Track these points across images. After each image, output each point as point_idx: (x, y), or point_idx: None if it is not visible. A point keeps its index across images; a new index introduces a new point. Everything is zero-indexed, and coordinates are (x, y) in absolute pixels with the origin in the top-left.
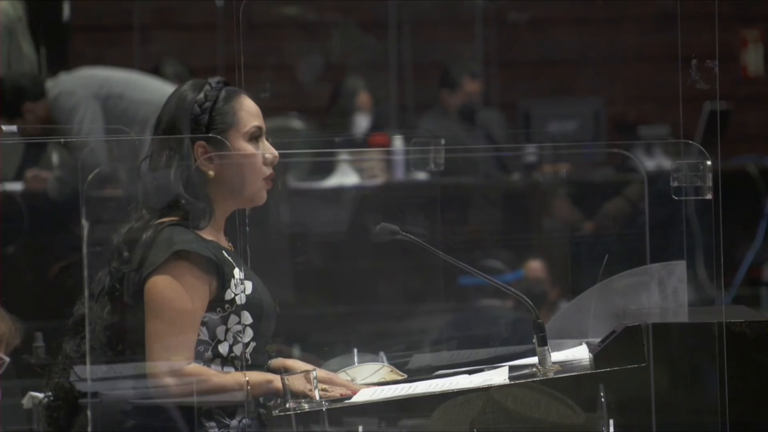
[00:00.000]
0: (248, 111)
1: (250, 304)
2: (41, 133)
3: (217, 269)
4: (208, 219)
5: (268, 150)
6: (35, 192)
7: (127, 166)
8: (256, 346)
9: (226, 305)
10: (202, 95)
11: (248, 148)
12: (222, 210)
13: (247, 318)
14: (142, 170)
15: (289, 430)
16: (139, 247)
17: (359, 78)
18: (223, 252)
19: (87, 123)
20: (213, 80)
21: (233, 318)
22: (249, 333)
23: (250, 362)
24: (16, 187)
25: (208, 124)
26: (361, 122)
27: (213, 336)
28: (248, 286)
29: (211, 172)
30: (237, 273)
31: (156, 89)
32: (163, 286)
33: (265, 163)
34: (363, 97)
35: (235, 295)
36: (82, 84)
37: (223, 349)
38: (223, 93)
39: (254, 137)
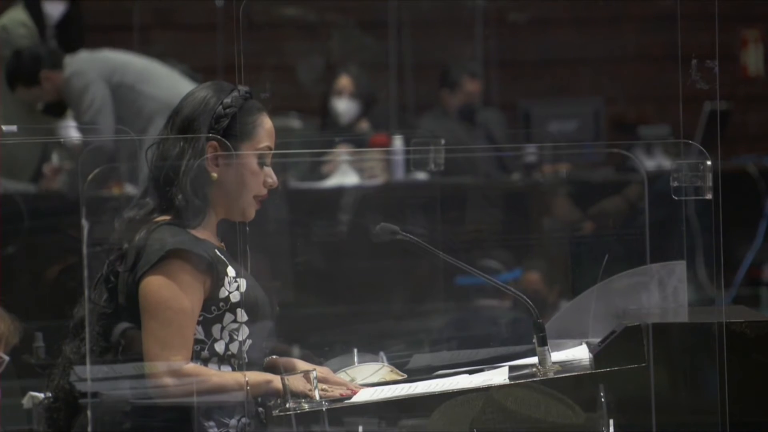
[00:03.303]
0: (266, 130)
1: (245, 301)
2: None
3: (211, 268)
4: (202, 219)
5: (270, 174)
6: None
7: (129, 165)
8: (252, 343)
9: (221, 303)
10: (229, 99)
11: (255, 164)
12: (215, 213)
13: (242, 316)
14: (148, 156)
15: (289, 430)
16: (132, 248)
17: (345, 66)
18: (216, 251)
19: (96, 105)
20: (242, 88)
21: (228, 316)
22: (245, 331)
23: (247, 360)
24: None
25: (227, 129)
26: (341, 106)
27: (209, 335)
28: (242, 283)
29: (215, 174)
30: (230, 271)
31: (169, 86)
32: (158, 285)
33: (264, 184)
34: (343, 81)
35: (230, 293)
36: (96, 67)
37: (219, 347)
38: (248, 104)
39: (263, 156)
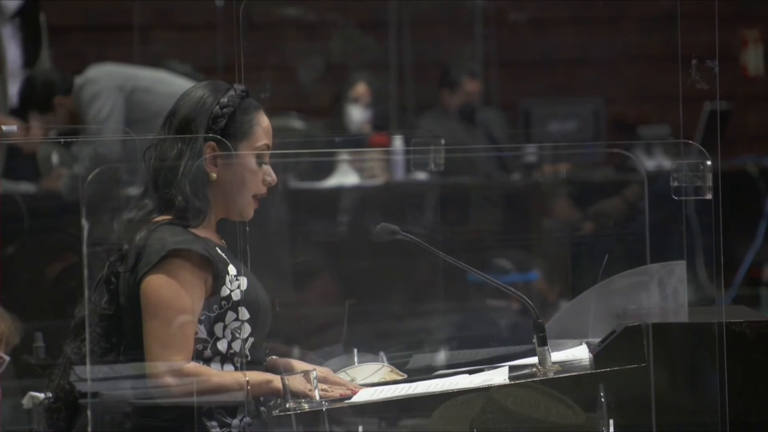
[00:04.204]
0: (264, 128)
1: (246, 300)
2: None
3: (212, 266)
4: (203, 219)
5: (269, 172)
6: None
7: (131, 165)
8: (254, 342)
9: (223, 302)
10: (225, 99)
11: (253, 163)
12: (215, 213)
13: (244, 314)
14: (146, 157)
15: (289, 430)
16: (132, 248)
17: (360, 72)
18: (217, 249)
19: (105, 112)
20: (238, 87)
21: (230, 314)
22: (247, 329)
23: (249, 358)
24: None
25: (224, 129)
26: (356, 114)
27: (211, 333)
28: (243, 282)
29: (214, 174)
30: (232, 269)
31: (184, 85)
32: (158, 285)
33: (263, 182)
34: (359, 89)
35: (231, 291)
36: (109, 75)
37: (221, 346)
38: (245, 103)
39: (261, 155)
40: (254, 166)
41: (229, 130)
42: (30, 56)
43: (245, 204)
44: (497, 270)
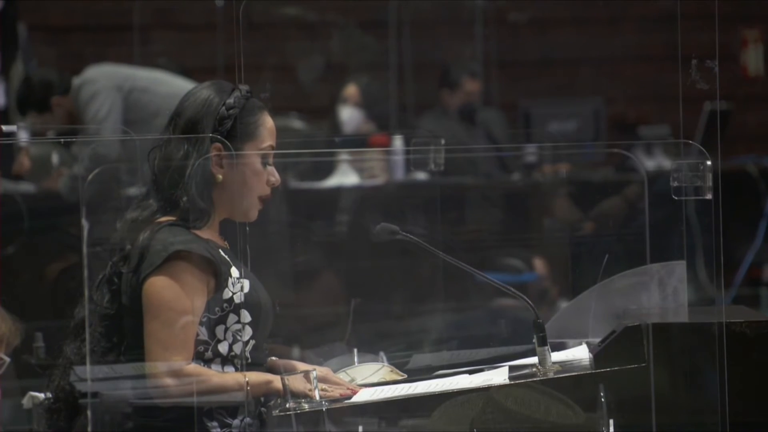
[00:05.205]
0: (269, 129)
1: (248, 302)
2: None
3: (215, 268)
4: (207, 220)
5: (273, 173)
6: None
7: (131, 165)
8: (255, 344)
9: (225, 304)
10: (232, 100)
11: (258, 164)
12: (218, 214)
13: (245, 316)
14: (150, 158)
15: (289, 430)
16: (136, 248)
17: (356, 72)
18: (220, 251)
19: (103, 112)
20: (243, 88)
21: (232, 317)
22: (248, 331)
23: (250, 360)
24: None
25: (230, 130)
26: (345, 114)
27: (212, 335)
28: (245, 284)
29: (220, 176)
30: (234, 272)
31: (181, 85)
32: (161, 286)
33: (267, 183)
34: (350, 90)
35: (233, 293)
36: (107, 75)
37: (222, 348)
38: (249, 104)
39: (265, 156)
40: (259, 167)
41: (234, 131)
42: (7, 61)
43: (250, 205)
44: (509, 270)
